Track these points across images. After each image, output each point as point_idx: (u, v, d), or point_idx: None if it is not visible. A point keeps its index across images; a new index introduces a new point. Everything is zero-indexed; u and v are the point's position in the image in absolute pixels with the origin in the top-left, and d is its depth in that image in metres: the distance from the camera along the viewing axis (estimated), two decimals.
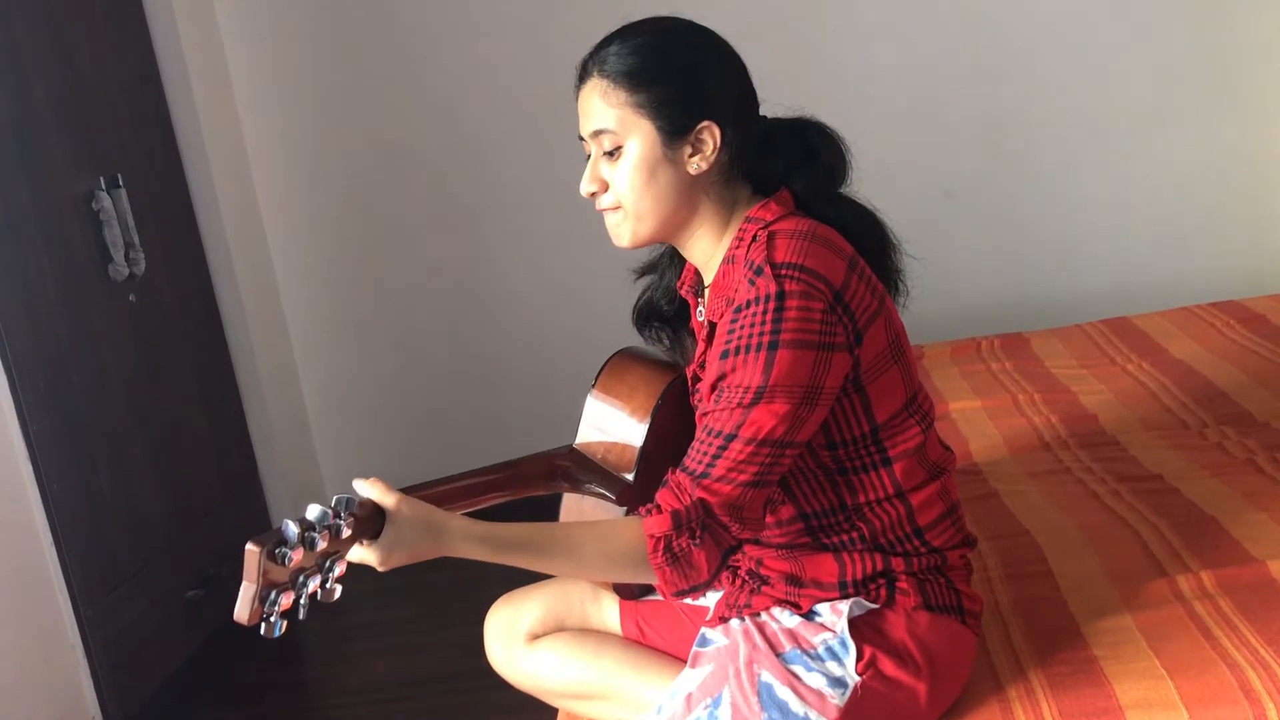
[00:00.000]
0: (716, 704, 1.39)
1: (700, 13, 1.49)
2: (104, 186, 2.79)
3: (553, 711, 1.75)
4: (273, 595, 1.18)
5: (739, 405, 1.32)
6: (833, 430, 1.39)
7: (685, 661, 1.50)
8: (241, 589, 1.17)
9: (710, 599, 1.63)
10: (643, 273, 1.67)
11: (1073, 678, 1.47)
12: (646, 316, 1.65)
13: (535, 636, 1.70)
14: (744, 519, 1.34)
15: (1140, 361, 2.69)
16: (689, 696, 1.42)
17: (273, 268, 3.52)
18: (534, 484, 1.50)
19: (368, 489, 1.28)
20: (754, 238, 1.39)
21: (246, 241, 3.37)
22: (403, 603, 3.27)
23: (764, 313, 1.31)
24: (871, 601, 1.43)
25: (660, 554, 1.31)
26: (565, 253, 3.47)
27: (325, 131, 3.45)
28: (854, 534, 1.44)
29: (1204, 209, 3.36)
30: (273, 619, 1.19)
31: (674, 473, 1.36)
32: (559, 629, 1.70)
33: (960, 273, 3.41)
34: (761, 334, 1.31)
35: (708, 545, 1.32)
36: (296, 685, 2.96)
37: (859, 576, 1.43)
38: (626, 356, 1.65)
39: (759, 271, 1.34)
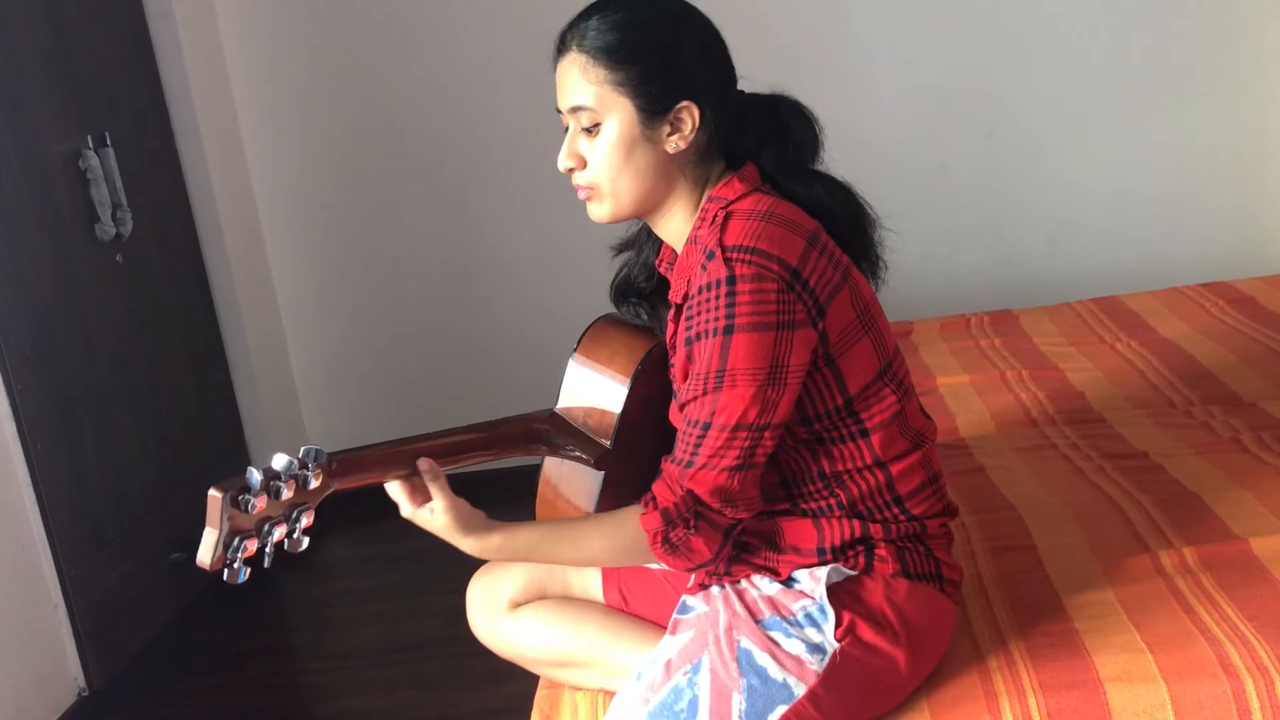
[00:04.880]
0: (696, 670, 1.39)
1: None
2: (91, 145, 2.76)
3: (535, 678, 1.76)
4: (236, 542, 1.20)
5: (705, 392, 1.34)
6: (807, 405, 1.40)
7: (667, 629, 1.50)
8: (204, 534, 1.18)
9: None
10: (620, 249, 1.67)
11: (1053, 650, 1.48)
12: (624, 292, 1.65)
13: (517, 604, 1.70)
14: (735, 502, 1.36)
15: (1129, 340, 2.70)
16: (668, 663, 1.42)
17: (261, 231, 3.50)
18: (512, 446, 1.49)
19: (429, 470, 1.37)
20: (713, 218, 1.40)
21: (235, 203, 3.35)
22: (386, 570, 3.28)
23: (716, 298, 1.32)
24: (850, 568, 1.43)
25: (660, 546, 1.37)
26: (553, 224, 3.45)
27: (316, 94, 3.42)
28: (832, 500, 1.44)
29: (1195, 190, 3.37)
30: (236, 565, 1.20)
31: (666, 462, 1.39)
32: (541, 597, 1.70)
33: (951, 249, 3.41)
34: (715, 319, 1.32)
35: (704, 531, 1.36)
36: (280, 650, 2.97)
37: (837, 543, 1.44)
38: (609, 322, 1.64)
39: (710, 256, 1.35)
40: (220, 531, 1.17)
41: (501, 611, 1.70)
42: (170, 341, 3.09)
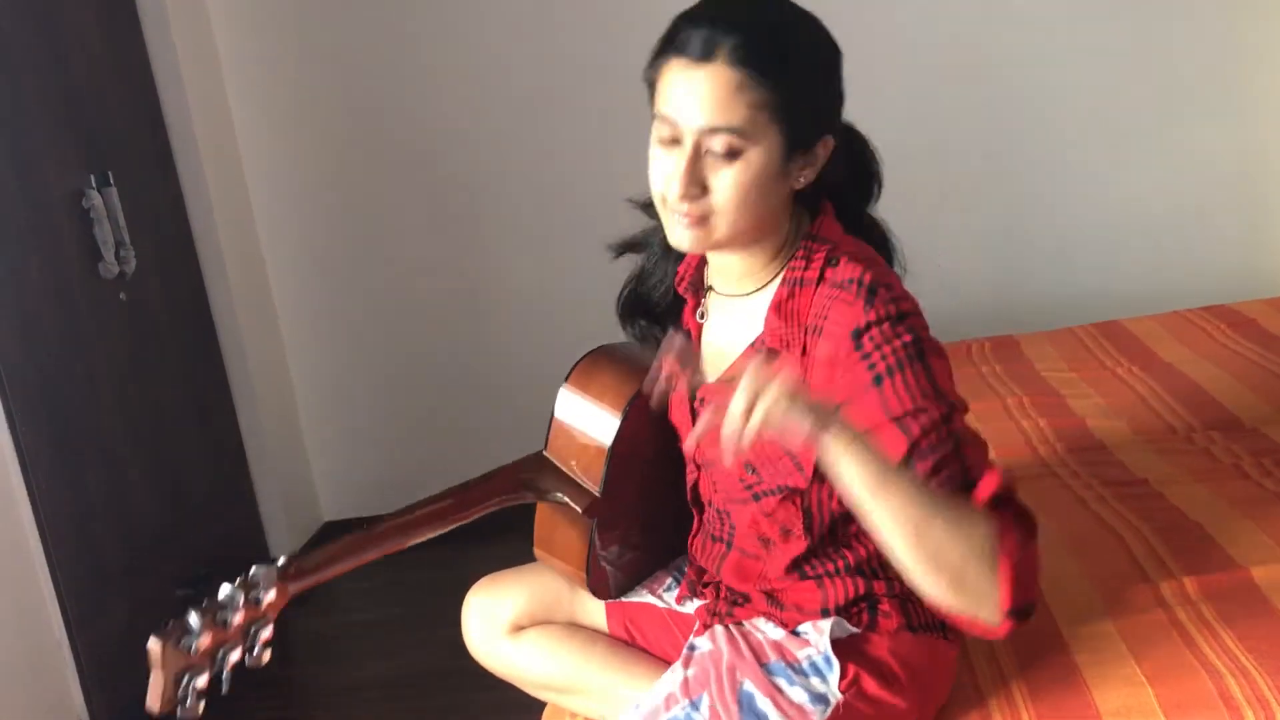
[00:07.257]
0: (695, 707, 1.38)
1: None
2: (94, 184, 2.77)
3: (539, 709, 1.75)
4: (186, 680, 1.21)
5: (930, 413, 1.21)
6: None
7: (670, 665, 1.49)
8: (150, 680, 1.20)
9: (691, 607, 1.62)
10: (622, 250, 1.55)
11: (1053, 684, 1.47)
12: (633, 311, 1.55)
13: (519, 628, 1.68)
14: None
15: (1130, 365, 2.69)
16: (669, 696, 1.42)
17: (265, 266, 3.51)
18: (490, 501, 1.47)
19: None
20: (827, 260, 1.30)
21: (238, 240, 3.36)
22: (390, 602, 3.27)
23: (894, 331, 1.24)
24: (854, 625, 1.42)
25: (1012, 542, 1.13)
26: (559, 252, 3.46)
27: (318, 129, 3.44)
28: (839, 562, 1.43)
29: (1196, 213, 3.36)
30: (189, 702, 1.21)
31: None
32: (544, 622, 1.68)
33: (952, 275, 3.40)
34: (905, 347, 1.23)
35: (1033, 537, 1.19)
36: (284, 685, 2.96)
37: (840, 601, 1.43)
38: (601, 354, 1.59)
39: (873, 291, 1.25)
40: (165, 676, 1.19)
41: (501, 634, 1.68)
42: (174, 378, 3.10)
